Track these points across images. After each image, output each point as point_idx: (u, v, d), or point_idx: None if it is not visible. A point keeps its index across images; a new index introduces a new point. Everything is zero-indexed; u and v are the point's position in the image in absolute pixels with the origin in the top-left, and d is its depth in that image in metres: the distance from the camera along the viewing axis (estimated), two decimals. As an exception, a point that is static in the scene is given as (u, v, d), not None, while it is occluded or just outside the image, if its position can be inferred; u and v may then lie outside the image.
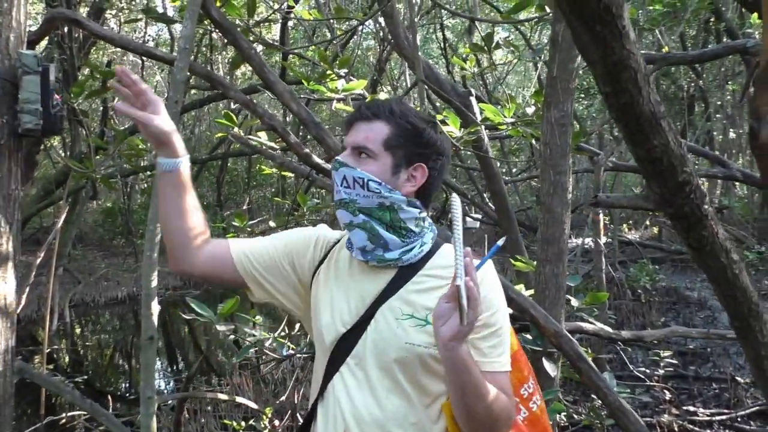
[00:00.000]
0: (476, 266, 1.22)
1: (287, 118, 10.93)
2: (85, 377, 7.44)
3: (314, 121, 2.60)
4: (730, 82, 13.57)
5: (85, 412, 5.01)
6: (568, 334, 2.55)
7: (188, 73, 2.50)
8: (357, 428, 1.34)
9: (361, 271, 1.44)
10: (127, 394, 7.18)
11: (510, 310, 2.79)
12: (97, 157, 5.55)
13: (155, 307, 2.54)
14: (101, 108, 12.45)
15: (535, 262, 3.19)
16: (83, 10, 9.59)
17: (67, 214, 12.61)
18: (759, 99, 1.63)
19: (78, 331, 10.23)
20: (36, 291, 10.39)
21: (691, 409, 5.17)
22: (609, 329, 3.35)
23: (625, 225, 14.13)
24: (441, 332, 1.20)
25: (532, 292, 3.09)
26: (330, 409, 1.40)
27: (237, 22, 2.96)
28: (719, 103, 14.32)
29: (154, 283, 2.53)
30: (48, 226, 15.88)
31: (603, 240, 9.78)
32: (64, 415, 5.14)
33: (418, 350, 1.33)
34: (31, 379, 2.67)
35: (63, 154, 11.66)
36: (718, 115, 14.56)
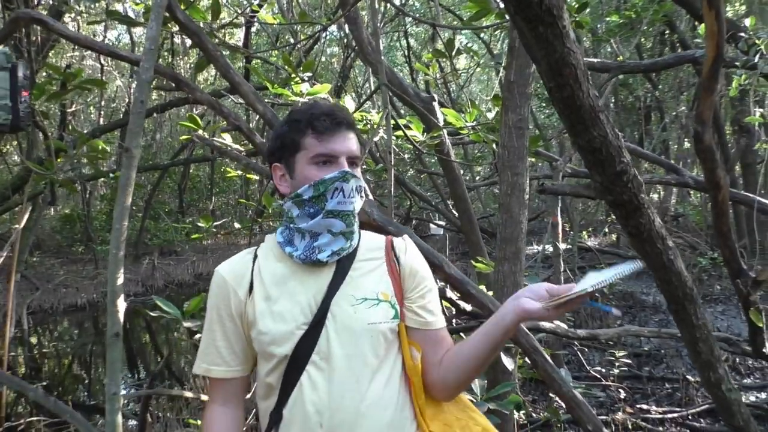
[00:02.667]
0: (606, 279, 1.26)
1: (252, 123, 10.92)
2: (44, 384, 7.31)
3: (280, 122, 2.65)
4: (684, 93, 14.01)
5: (45, 418, 4.97)
6: (525, 329, 2.64)
7: (153, 74, 2.54)
8: (336, 418, 1.36)
9: (303, 273, 1.46)
10: (87, 402, 7.08)
11: (469, 306, 2.89)
12: (58, 160, 5.50)
13: (121, 304, 2.54)
14: (60, 112, 12.25)
15: (494, 263, 3.29)
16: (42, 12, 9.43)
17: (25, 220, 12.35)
18: (702, 104, 1.75)
19: (35, 339, 10.01)
20: (-8, 298, 10.18)
21: (645, 407, 5.32)
22: (565, 326, 3.46)
23: (584, 232, 14.42)
24: (524, 303, 1.31)
25: (491, 293, 3.19)
26: (299, 410, 1.40)
27: (201, 25, 3.00)
28: (674, 113, 14.75)
29: (120, 280, 2.53)
30: (3, 232, 15.54)
31: (563, 246, 9.99)
32: (22, 421, 5.08)
33: (380, 327, 1.42)
34: (-8, 378, 2.66)
35: (20, 159, 11.44)
36: (673, 125, 15.00)
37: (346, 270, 1.46)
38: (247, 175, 4.05)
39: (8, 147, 14.18)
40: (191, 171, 17.43)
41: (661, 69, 6.56)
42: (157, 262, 13.62)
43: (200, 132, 3.40)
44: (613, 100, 15.39)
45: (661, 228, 1.28)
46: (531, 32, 0.90)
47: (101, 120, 16.80)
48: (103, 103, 17.35)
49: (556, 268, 5.68)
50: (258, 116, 3.09)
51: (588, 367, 6.09)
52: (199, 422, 3.58)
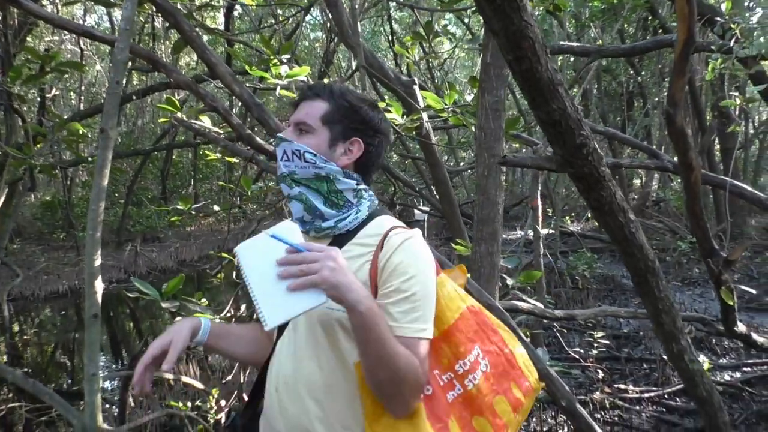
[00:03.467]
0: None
1: (234, 110, 10.86)
2: (25, 371, 7.27)
3: (256, 103, 2.66)
4: (666, 79, 14.11)
5: (26, 404, 4.97)
6: (500, 308, 2.68)
7: (129, 55, 2.53)
8: (283, 386, 1.45)
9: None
10: (70, 388, 7.06)
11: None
12: (37, 146, 5.46)
13: (99, 285, 2.56)
14: (38, 97, 12.10)
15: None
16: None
17: (4, 207, 12.23)
18: (674, 87, 1.78)
19: (17, 326, 9.95)
20: (-29, 285, 10.11)
21: (622, 387, 5.42)
22: (542, 307, 3.51)
23: (567, 217, 14.55)
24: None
25: (470, 275, 3.23)
26: (271, 371, 1.51)
27: (179, 6, 2.99)
28: (657, 99, 14.86)
29: (98, 261, 2.55)
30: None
31: (544, 231, 10.06)
32: (3, 407, 5.07)
33: (336, 314, 1.38)
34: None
35: (-1, 145, 11.30)
36: (655, 111, 15.11)
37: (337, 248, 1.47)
38: (228, 160, 4.05)
39: None
40: (174, 157, 17.32)
41: (639, 53, 6.62)
42: (140, 248, 13.55)
43: (179, 114, 3.40)
44: (596, 86, 15.47)
45: (622, 201, 1.31)
46: (489, 5, 0.92)
47: (81, 105, 16.62)
48: (83, 88, 17.16)
49: (537, 252, 5.74)
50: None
51: (567, 349, 6.18)
52: (181, 404, 3.61)
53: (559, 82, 1.07)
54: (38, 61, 3.77)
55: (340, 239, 1.49)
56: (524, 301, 3.57)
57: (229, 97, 12.25)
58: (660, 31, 11.04)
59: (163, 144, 13.95)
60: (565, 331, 6.82)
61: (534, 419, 4.77)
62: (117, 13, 13.83)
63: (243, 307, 4.24)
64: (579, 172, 1.23)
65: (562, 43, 5.49)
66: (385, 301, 1.36)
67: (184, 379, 3.43)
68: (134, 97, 9.69)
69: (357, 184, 1.51)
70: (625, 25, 12.64)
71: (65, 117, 6.84)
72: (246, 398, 1.67)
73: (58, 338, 9.44)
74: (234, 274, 4.08)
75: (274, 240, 1.24)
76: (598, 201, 1.28)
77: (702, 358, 4.10)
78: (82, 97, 17.45)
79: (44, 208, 16.67)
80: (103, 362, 7.81)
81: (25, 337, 9.34)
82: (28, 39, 10.86)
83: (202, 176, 17.68)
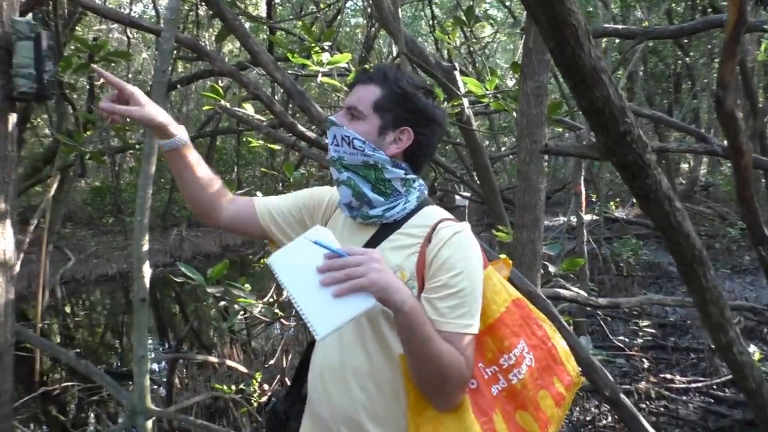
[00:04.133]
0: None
1: (276, 96, 10.96)
2: (77, 352, 7.53)
3: (299, 91, 2.68)
4: (716, 60, 13.67)
5: (79, 384, 5.15)
6: (542, 296, 2.66)
7: (175, 44, 2.57)
8: (328, 374, 1.45)
9: (350, 229, 1.52)
10: (118, 369, 7.29)
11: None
12: (86, 133, 5.59)
13: (147, 270, 2.64)
14: (88, 85, 12.41)
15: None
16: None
17: (56, 192, 12.61)
18: (724, 67, 1.73)
19: (69, 308, 10.29)
20: (27, 268, 10.44)
21: (668, 377, 5.33)
22: (585, 295, 3.47)
23: (612, 203, 14.29)
24: None
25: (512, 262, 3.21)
26: (315, 357, 1.52)
27: (223, -5, 3.02)
28: (706, 80, 14.41)
29: (145, 246, 2.62)
30: (36, 204, 15.86)
31: (588, 217, 9.90)
32: (57, 386, 5.26)
33: (381, 305, 1.31)
34: (28, 340, 2.77)
35: (50, 132, 11.63)
36: (704, 93, 14.66)
37: (382, 237, 1.47)
38: (271, 146, 4.09)
39: (39, 120, 14.41)
40: (218, 143, 17.55)
41: (688, 34, 6.41)
42: (185, 233, 13.82)
43: (222, 102, 3.45)
44: (641, 68, 15.08)
45: (668, 189, 1.28)
46: (531, -8, 0.91)
47: (129, 93, 16.89)
48: (130, 75, 17.50)
49: (580, 239, 5.67)
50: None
51: (612, 337, 6.10)
52: (225, 387, 3.69)
53: (603, 69, 1.05)
54: (87, 51, 3.86)
55: (386, 228, 1.48)
56: (567, 288, 3.53)
57: (270, 83, 12.37)
58: (710, 10, 10.69)
59: (206, 131, 14.14)
60: (609, 319, 6.72)
61: (577, 408, 4.74)
62: (162, 1, 14.06)
63: (285, 292, 4.29)
64: (623, 160, 1.20)
65: (606, 25, 5.37)
66: (432, 296, 1.35)
67: (229, 362, 3.51)
68: (179, 86, 9.84)
69: (405, 174, 1.48)
70: (673, 5, 12.28)
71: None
72: (288, 383, 1.69)
73: (107, 320, 9.74)
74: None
75: (308, 246, 1.21)
76: (643, 189, 1.25)
77: (752, 348, 4.00)
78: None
79: (94, 193, 17.15)
80: (150, 344, 8.03)
81: (76, 318, 9.67)
82: (77, 28, 11.12)
83: (245, 162, 17.88)
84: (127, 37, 14.49)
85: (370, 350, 1.41)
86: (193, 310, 9.93)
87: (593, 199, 11.43)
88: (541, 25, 1.00)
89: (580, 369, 1.60)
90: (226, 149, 18.75)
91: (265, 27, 9.58)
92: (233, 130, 11.53)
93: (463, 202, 15.24)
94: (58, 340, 8.41)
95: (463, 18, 3.60)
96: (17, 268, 2.91)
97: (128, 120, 1.50)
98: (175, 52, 6.36)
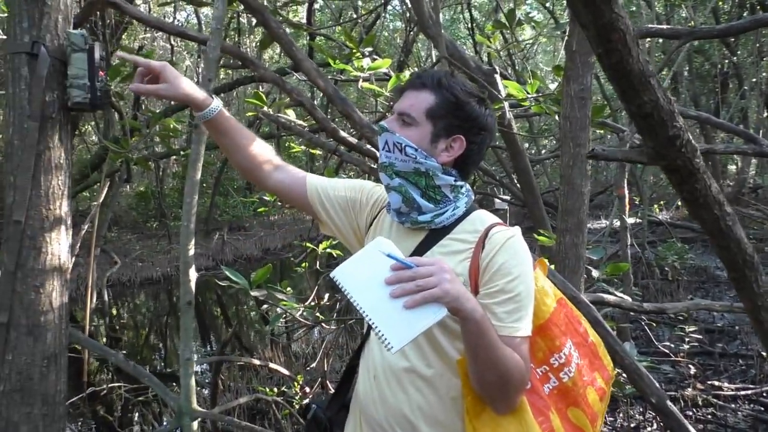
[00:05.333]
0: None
1: (316, 101, 11.06)
2: (123, 353, 7.70)
3: (341, 97, 2.71)
4: (765, 58, 13.30)
5: (125, 385, 5.28)
6: (586, 300, 2.63)
7: (220, 53, 2.62)
8: (382, 374, 1.46)
9: (398, 234, 1.53)
10: (163, 370, 7.44)
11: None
12: (132, 139, 5.73)
13: (193, 274, 2.69)
14: (133, 94, 12.69)
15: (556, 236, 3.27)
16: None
17: (103, 197, 12.92)
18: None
19: (115, 310, 10.55)
20: (75, 271, 10.76)
21: (716, 384, 5.19)
22: (630, 300, 3.41)
23: (656, 205, 14.00)
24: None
25: (553, 266, 3.18)
26: (367, 359, 1.53)
27: (265, 3, 3.08)
28: (754, 80, 14.02)
29: (191, 251, 2.67)
30: (84, 209, 16.32)
31: (632, 220, 9.71)
32: (104, 386, 5.40)
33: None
34: (78, 342, 2.85)
35: (98, 138, 11.94)
36: (752, 93, 14.27)
37: (432, 243, 1.48)
38: (312, 151, 4.14)
39: (87, 127, 14.81)
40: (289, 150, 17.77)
41: (736, 34, 6.25)
42: (227, 237, 14.04)
43: (265, 108, 3.50)
44: (687, 68, 14.76)
45: (718, 193, 1.26)
46: (579, -1, 0.91)
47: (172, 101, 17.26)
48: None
49: (623, 243, 5.57)
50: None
51: (656, 343, 5.97)
52: (267, 390, 3.74)
53: (651, 74, 1.04)
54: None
55: (435, 234, 1.49)
56: (610, 293, 3.47)
57: (310, 88, 12.49)
58: (758, 8, 10.41)
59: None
60: (654, 324, 6.58)
61: (621, 414, 4.67)
62: (204, 11, 14.32)
63: (326, 296, 4.33)
64: (672, 164, 1.19)
65: (650, 26, 5.28)
66: (488, 301, 1.37)
67: (271, 365, 3.55)
68: (222, 93, 10.00)
69: (455, 181, 1.49)
70: (720, 2, 11.99)
71: (158, 111, 7.17)
72: (332, 389, 1.70)
73: (151, 322, 9.94)
74: (317, 263, 4.17)
75: (373, 258, 1.21)
76: (692, 194, 1.23)
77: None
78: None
79: (138, 198, 17.54)
80: (194, 347, 8.17)
81: (121, 320, 9.89)
82: (123, 36, 11.40)
83: (313, 166, 18.11)
84: (171, 45, 14.79)
85: (426, 354, 1.42)
86: (235, 313, 10.08)
87: (636, 202, 11.22)
88: (588, 30, 0.99)
89: (625, 375, 1.60)
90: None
91: (304, 33, 9.68)
92: (273, 135, 11.66)
93: (503, 206, 15.10)
94: (105, 342, 8.62)
95: (504, 21, 3.59)
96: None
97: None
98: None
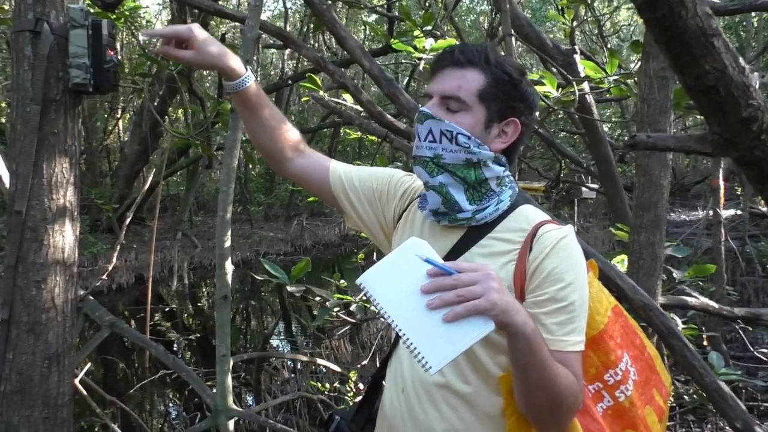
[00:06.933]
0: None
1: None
2: (200, 336, 7.84)
3: (387, 78, 2.49)
4: None
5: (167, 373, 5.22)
6: (659, 308, 2.31)
7: (260, 33, 2.47)
8: (412, 388, 1.30)
9: (431, 232, 1.35)
10: (244, 349, 7.47)
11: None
12: (216, 125, 5.70)
13: (229, 267, 2.57)
14: (218, 77, 12.96)
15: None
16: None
17: (187, 183, 13.31)
18: None
19: (197, 292, 10.81)
20: (160, 254, 11.13)
21: (821, 396, 4.67)
22: (715, 305, 3.04)
23: (760, 196, 12.97)
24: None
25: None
26: (394, 370, 1.37)
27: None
28: None
29: (227, 243, 2.55)
30: (174, 194, 16.93)
31: (731, 212, 8.99)
32: (151, 377, 5.35)
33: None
34: (120, 332, 2.81)
35: (185, 127, 12.25)
36: None
37: (471, 242, 1.29)
38: (370, 138, 3.95)
39: (178, 113, 15.26)
40: (341, 135, 17.84)
41: None
42: (306, 222, 14.15)
43: (320, 93, 3.34)
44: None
45: (814, 194, 0.96)
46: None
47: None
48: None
49: (716, 238, 5.09)
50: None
51: (752, 349, 5.43)
52: (320, 385, 3.60)
53: (715, 32, 0.76)
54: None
55: (475, 231, 1.30)
56: (694, 296, 3.10)
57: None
58: None
59: (328, 122, 14.35)
60: (750, 328, 6.01)
61: (708, 426, 4.26)
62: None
63: (384, 318, 4.13)
64: (747, 156, 0.90)
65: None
66: (537, 310, 1.19)
67: (320, 361, 3.41)
68: (290, 81, 9.98)
69: (503, 171, 1.31)
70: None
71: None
72: (359, 401, 1.53)
73: (231, 307, 10.09)
74: (374, 255, 3.98)
75: (406, 262, 1.03)
76: (777, 194, 0.95)
77: None
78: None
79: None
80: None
81: (198, 304, 10.11)
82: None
83: (366, 153, 18.05)
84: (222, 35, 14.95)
85: (463, 369, 1.26)
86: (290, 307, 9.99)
87: (738, 192, 10.41)
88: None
89: (705, 395, 1.39)
90: (349, 141, 19.02)
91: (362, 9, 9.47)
92: (335, 124, 11.60)
93: (590, 194, 14.49)
94: (187, 322, 8.82)
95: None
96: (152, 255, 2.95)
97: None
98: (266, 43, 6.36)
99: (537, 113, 1.36)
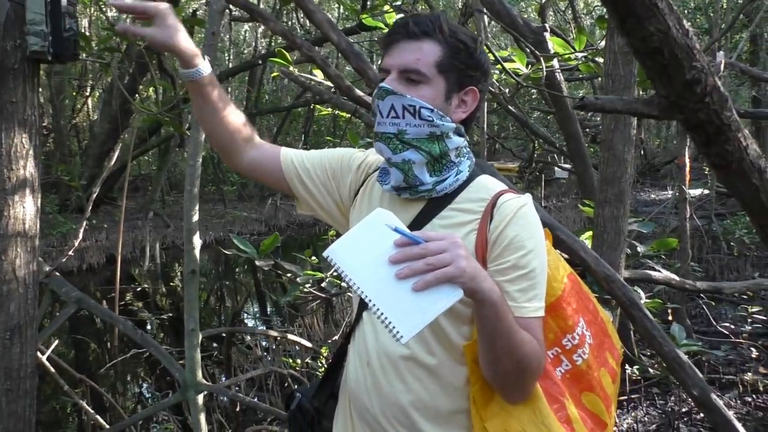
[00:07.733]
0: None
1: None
2: (171, 315, 7.80)
3: (355, 52, 2.48)
4: None
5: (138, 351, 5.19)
6: (621, 279, 2.36)
7: (225, 4, 2.44)
8: (377, 360, 1.30)
9: (391, 205, 1.33)
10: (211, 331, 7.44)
11: (561, 253, 2.63)
12: (189, 103, 5.62)
13: (197, 242, 2.56)
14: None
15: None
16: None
17: (159, 162, 13.16)
18: None
19: (168, 272, 10.72)
20: (131, 234, 11.01)
21: (780, 368, 4.82)
22: (678, 278, 3.10)
23: (706, 161, 13.14)
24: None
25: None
26: (358, 344, 1.37)
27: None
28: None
29: (195, 217, 2.54)
30: (146, 173, 16.71)
31: (698, 191, 9.15)
32: (122, 356, 5.33)
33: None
34: (87, 308, 2.78)
35: (156, 105, 12.06)
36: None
37: (432, 214, 1.30)
38: (341, 114, 3.94)
39: (148, 92, 15.03)
40: (316, 114, 17.72)
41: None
42: (280, 203, 14.08)
43: (291, 68, 3.31)
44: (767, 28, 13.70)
45: (757, 158, 0.98)
46: None
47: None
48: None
49: (681, 214, 5.19)
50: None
51: (715, 323, 5.57)
52: (291, 360, 3.62)
53: (659, -6, 0.78)
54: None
55: (435, 203, 1.30)
56: (657, 270, 3.17)
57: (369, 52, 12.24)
58: None
59: (302, 101, 14.24)
60: (713, 303, 6.16)
61: (672, 399, 4.38)
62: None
63: (353, 290, 4.16)
64: (692, 119, 0.92)
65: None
66: (499, 278, 1.20)
67: (291, 337, 3.42)
68: (260, 60, 9.86)
69: (462, 142, 1.31)
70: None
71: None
72: (321, 376, 1.54)
73: (204, 285, 10.03)
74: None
75: (372, 233, 1.03)
76: (722, 158, 0.96)
77: None
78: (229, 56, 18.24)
79: (197, 163, 17.78)
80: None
81: (170, 284, 10.04)
82: None
83: (341, 132, 17.99)
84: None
85: (428, 340, 1.26)
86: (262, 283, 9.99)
87: (706, 171, 10.59)
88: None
89: (665, 365, 1.43)
90: (324, 119, 18.91)
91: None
92: (324, 100, 11.55)
93: (562, 174, 14.63)
94: (158, 303, 8.76)
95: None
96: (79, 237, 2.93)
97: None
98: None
99: (492, 79, 1.35)
